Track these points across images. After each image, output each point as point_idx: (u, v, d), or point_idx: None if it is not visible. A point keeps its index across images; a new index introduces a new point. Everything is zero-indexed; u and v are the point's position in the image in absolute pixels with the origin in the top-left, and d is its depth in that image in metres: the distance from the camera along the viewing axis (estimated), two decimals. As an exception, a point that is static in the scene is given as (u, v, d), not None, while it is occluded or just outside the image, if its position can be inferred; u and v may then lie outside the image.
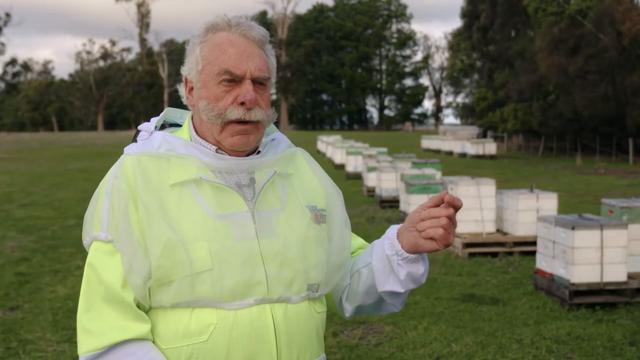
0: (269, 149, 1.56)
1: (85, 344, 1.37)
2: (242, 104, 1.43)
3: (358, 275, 1.57)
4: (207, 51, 1.46)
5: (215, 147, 1.48)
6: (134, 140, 1.56)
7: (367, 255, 1.56)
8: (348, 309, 1.62)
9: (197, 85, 1.48)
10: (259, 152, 1.53)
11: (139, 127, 1.60)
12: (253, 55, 1.45)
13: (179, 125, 1.62)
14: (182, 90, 1.55)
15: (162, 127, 1.61)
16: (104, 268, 1.40)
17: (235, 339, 1.38)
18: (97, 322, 1.38)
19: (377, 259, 1.51)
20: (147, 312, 1.43)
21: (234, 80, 1.44)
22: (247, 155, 1.51)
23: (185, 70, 1.52)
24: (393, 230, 1.50)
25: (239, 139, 1.45)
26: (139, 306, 1.41)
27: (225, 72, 1.43)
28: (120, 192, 1.42)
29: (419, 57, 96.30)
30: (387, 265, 1.49)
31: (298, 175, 1.58)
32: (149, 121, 1.62)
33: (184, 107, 1.63)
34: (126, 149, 1.51)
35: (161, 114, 1.63)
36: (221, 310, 1.38)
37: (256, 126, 1.47)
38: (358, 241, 1.71)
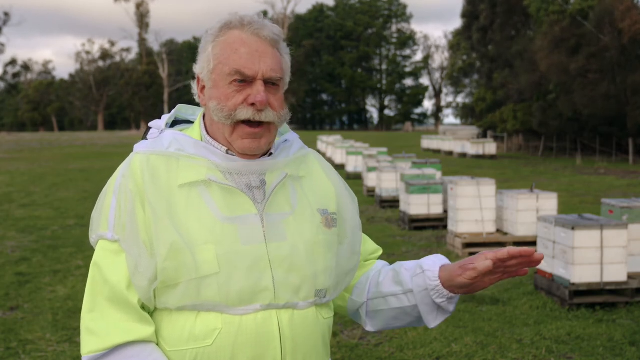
0: (282, 151, 1.52)
1: (88, 344, 1.36)
2: (253, 104, 1.40)
3: (384, 302, 1.55)
4: (219, 50, 1.43)
5: (225, 148, 1.45)
6: (144, 137, 1.53)
7: (392, 284, 1.55)
8: (369, 324, 1.61)
9: (208, 84, 1.46)
10: (271, 153, 1.50)
11: (150, 124, 1.56)
12: (265, 54, 1.42)
13: (190, 122, 1.59)
14: (194, 88, 1.52)
15: (174, 123, 1.58)
16: (109, 268, 1.39)
17: (240, 344, 1.36)
18: (100, 323, 1.36)
19: (421, 303, 1.50)
20: (152, 313, 1.41)
21: (245, 80, 1.41)
22: (259, 156, 1.48)
23: (197, 69, 1.49)
24: (434, 272, 1.48)
25: (249, 142, 1.42)
26: (143, 307, 1.39)
27: (236, 72, 1.40)
28: (127, 191, 1.40)
29: (419, 57, 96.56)
30: (433, 306, 1.49)
31: (310, 177, 1.54)
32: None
33: (192, 105, 1.61)
34: (136, 147, 1.49)
35: (172, 111, 1.59)
36: (227, 315, 1.36)
37: (268, 128, 1.43)
38: (370, 246, 1.68)
